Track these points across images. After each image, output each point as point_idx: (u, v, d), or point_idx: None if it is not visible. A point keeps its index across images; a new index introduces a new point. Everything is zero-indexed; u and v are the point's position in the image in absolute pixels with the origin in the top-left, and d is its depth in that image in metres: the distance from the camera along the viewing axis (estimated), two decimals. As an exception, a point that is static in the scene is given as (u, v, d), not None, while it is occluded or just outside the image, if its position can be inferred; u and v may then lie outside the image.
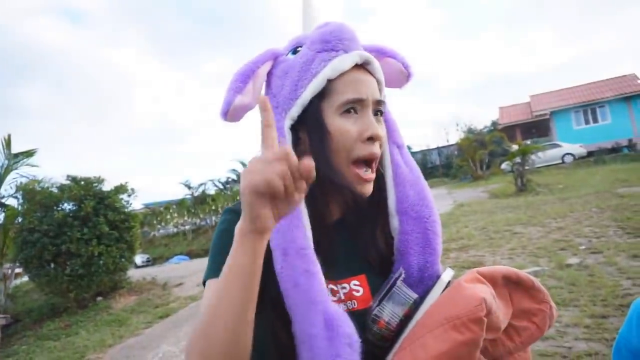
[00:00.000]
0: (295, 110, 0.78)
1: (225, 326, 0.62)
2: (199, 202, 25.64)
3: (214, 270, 0.75)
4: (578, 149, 21.05)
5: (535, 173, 15.65)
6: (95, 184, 8.74)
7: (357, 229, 0.86)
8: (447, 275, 0.80)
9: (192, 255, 19.41)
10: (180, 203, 26.09)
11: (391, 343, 0.75)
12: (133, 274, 10.20)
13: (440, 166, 29.11)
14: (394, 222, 0.85)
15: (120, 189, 9.07)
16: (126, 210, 9.02)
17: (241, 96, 0.78)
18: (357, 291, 0.81)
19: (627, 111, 22.87)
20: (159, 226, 26.28)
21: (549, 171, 17.82)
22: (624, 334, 0.87)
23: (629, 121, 22.81)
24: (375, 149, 0.79)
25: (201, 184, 27.72)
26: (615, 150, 21.13)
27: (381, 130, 0.80)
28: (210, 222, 24.26)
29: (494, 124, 29.14)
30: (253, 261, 0.62)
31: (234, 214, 0.80)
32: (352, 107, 0.78)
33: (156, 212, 26.16)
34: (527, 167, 14.18)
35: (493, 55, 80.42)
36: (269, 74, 0.84)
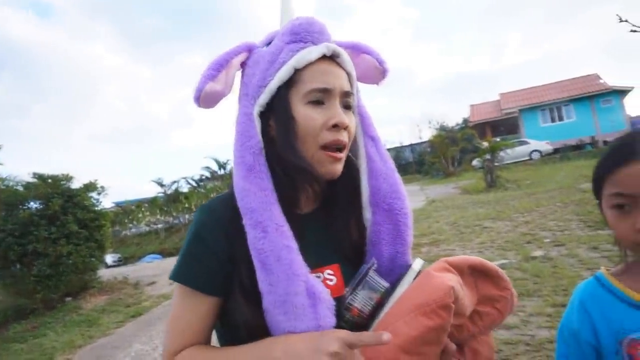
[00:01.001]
0: (263, 98, 0.82)
1: None
2: (172, 200, 25.23)
3: (184, 275, 0.81)
4: (545, 146, 21.73)
5: (505, 169, 16.10)
6: (63, 182, 8.49)
7: (330, 219, 0.89)
8: (417, 264, 0.83)
9: (164, 254, 19.10)
10: (153, 201, 25.60)
11: (364, 330, 0.77)
12: (104, 273, 9.97)
13: (413, 163, 29.52)
14: (367, 213, 0.88)
15: (90, 186, 8.85)
16: (96, 208, 8.81)
17: (213, 83, 0.81)
18: (331, 280, 0.84)
19: (590, 110, 23.74)
20: (130, 225, 25.71)
21: (517, 167, 18.32)
22: (566, 317, 0.93)
23: (591, 119, 23.69)
24: (342, 136, 0.82)
25: (174, 182, 27.30)
26: (579, 147, 21.91)
27: (349, 120, 0.83)
28: (184, 220, 23.88)
29: (465, 121, 29.72)
30: None
31: (208, 214, 0.83)
32: (319, 98, 0.81)
33: (127, 211, 25.59)
34: (496, 164, 14.58)
35: (465, 54, 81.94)
36: (243, 65, 0.87)
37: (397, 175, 0.91)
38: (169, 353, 0.80)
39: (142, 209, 25.38)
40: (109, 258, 16.73)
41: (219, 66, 0.82)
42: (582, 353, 0.88)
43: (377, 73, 0.94)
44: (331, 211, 0.89)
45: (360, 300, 0.78)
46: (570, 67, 72.18)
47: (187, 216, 23.62)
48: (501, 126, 27.92)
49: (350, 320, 0.77)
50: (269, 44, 0.86)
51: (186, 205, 23.21)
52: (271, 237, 0.75)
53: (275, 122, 0.82)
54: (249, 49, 0.87)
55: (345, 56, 0.86)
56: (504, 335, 3.27)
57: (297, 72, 0.81)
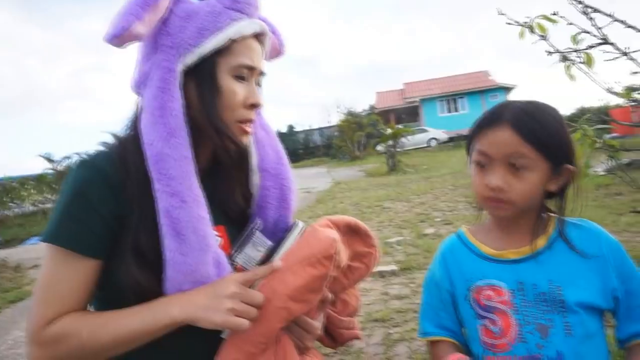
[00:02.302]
0: (191, 58, 0.78)
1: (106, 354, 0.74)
2: (63, 177, 23.01)
3: (63, 236, 0.75)
4: (441, 135, 23.50)
5: (405, 154, 17.12)
6: None
7: (217, 182, 0.90)
8: (301, 224, 0.89)
9: (53, 235, 17.46)
10: (39, 178, 23.16)
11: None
12: (-23, 257, 8.86)
13: (322, 146, 30.15)
14: (256, 178, 0.91)
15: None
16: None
17: (140, 24, 0.73)
18: (217, 240, 0.85)
19: (481, 103, 26.05)
20: (12, 204, 23.05)
21: (417, 153, 19.62)
22: (431, 269, 1.05)
23: (482, 112, 25.84)
24: (254, 115, 0.86)
25: (66, 158, 24.80)
26: (470, 136, 23.99)
27: (262, 100, 0.86)
28: (76, 199, 21.97)
29: (372, 107, 30.94)
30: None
31: (93, 171, 0.77)
32: (244, 74, 0.82)
33: (8, 188, 22.87)
34: (398, 149, 15.42)
35: (376, 42, 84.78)
36: (168, 11, 0.80)
37: (280, 145, 0.96)
38: (44, 320, 0.73)
39: (27, 187, 22.85)
40: (-16, 240, 14.89)
41: (146, 4, 0.74)
42: (441, 299, 1.00)
43: (274, 53, 0.98)
44: (218, 174, 0.90)
45: (244, 258, 0.82)
46: (467, 63, 78.34)
47: (80, 195, 21.74)
48: (404, 114, 29.56)
49: None
50: None
51: (79, 183, 21.34)
52: (189, 207, 0.74)
53: (198, 87, 0.80)
54: None
55: (268, 37, 0.88)
56: (396, 304, 3.54)
57: (231, 41, 0.79)
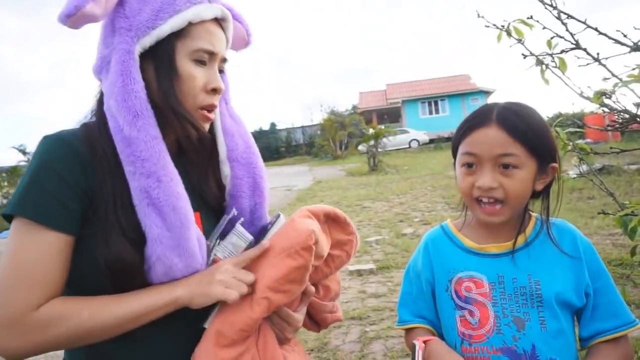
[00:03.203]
0: (148, 40, 0.78)
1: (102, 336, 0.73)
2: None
3: (32, 207, 0.71)
4: (422, 136, 23.73)
5: (386, 155, 17.25)
6: None
7: (189, 169, 0.90)
8: (283, 217, 0.90)
9: (25, 229, 17.00)
10: (13, 170, 22.51)
11: None
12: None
13: (304, 145, 30.12)
14: (226, 169, 0.91)
15: None
16: None
17: (93, 4, 0.73)
18: None
19: (462, 106, 26.42)
20: (-18, 197, 22.40)
21: (398, 154, 19.78)
22: (413, 259, 1.08)
23: (462, 114, 26.35)
24: (216, 100, 0.85)
25: (40, 150, 24.19)
26: (450, 139, 24.24)
27: (223, 85, 0.85)
28: (51, 193, 21.44)
29: (354, 107, 31.07)
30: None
31: (61, 145, 0.75)
32: (203, 59, 0.81)
33: (-21, 180, 22.21)
34: (379, 149, 15.53)
35: (360, 43, 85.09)
36: None
37: (250, 135, 0.97)
38: (28, 306, 0.68)
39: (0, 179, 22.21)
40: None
41: None
42: (421, 289, 1.02)
43: (242, 42, 0.98)
44: (189, 162, 0.90)
45: (223, 251, 0.83)
46: (448, 66, 79.35)
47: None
48: (386, 114, 29.78)
49: None
50: None
51: (54, 177, 20.82)
52: (165, 186, 0.75)
53: (157, 70, 0.80)
54: None
55: (230, 23, 0.87)
56: (373, 302, 3.57)
57: (189, 25, 0.79)
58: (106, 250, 0.73)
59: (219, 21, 0.85)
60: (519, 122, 0.87)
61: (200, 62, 0.82)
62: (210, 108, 0.84)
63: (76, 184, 0.74)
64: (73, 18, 0.73)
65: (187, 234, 0.76)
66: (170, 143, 0.86)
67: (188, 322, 0.81)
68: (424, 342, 0.90)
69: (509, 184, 0.87)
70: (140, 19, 0.77)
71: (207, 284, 0.76)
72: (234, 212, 0.87)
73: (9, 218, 0.73)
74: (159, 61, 0.79)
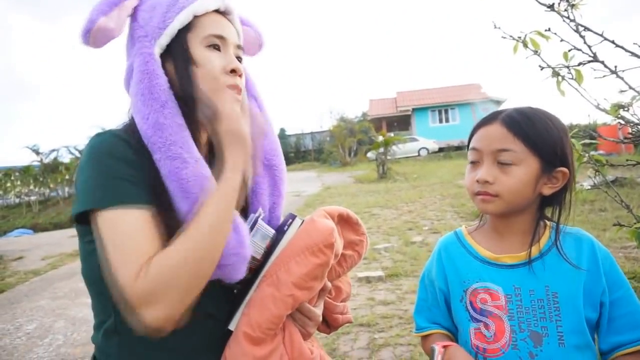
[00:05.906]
0: (164, 40, 0.84)
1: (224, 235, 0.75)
2: (50, 170, 22.70)
3: (114, 197, 0.72)
4: (432, 144, 23.64)
5: (395, 163, 17.22)
6: None
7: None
8: (299, 218, 0.92)
9: (37, 229, 17.16)
10: (26, 170, 22.81)
11: (256, 272, 0.86)
12: (-43, 247, 8.71)
13: (313, 150, 30.15)
14: (249, 168, 0.94)
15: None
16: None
17: (106, 18, 0.80)
18: None
19: (472, 115, 26.30)
20: (-5, 195, 22.68)
21: (407, 162, 19.71)
22: (428, 266, 1.07)
23: (472, 123, 26.17)
24: (239, 81, 0.88)
25: (53, 150, 24.49)
26: (460, 148, 24.18)
27: (240, 67, 0.88)
28: (63, 193, 21.66)
29: (364, 114, 31.07)
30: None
31: (112, 137, 0.78)
32: (216, 44, 0.86)
33: (-8, 179, 22.51)
34: (388, 157, 15.51)
35: (372, 50, 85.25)
36: (136, 9, 0.87)
37: (276, 135, 1.00)
38: (143, 259, 0.68)
39: (12, 178, 22.50)
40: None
41: (112, 4, 0.81)
42: (435, 296, 1.02)
43: (255, 46, 1.03)
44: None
45: (253, 247, 0.85)
46: (459, 75, 79.18)
47: (66, 189, 21.45)
48: (395, 122, 29.71)
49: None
50: None
51: (66, 177, 21.04)
52: (192, 167, 0.77)
53: (175, 64, 0.84)
54: None
55: (235, 15, 0.92)
56: (382, 310, 3.57)
57: (195, 18, 0.85)
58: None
59: (224, 14, 0.90)
60: (521, 120, 0.88)
61: (214, 47, 0.86)
62: (236, 89, 0.87)
63: (138, 165, 0.76)
64: (92, 34, 0.79)
65: None
66: (202, 145, 0.89)
67: (216, 326, 0.83)
68: (443, 347, 0.90)
69: (505, 180, 0.87)
70: (153, 24, 0.84)
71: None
72: (260, 211, 0.91)
73: (81, 217, 0.75)
74: (176, 55, 0.84)
